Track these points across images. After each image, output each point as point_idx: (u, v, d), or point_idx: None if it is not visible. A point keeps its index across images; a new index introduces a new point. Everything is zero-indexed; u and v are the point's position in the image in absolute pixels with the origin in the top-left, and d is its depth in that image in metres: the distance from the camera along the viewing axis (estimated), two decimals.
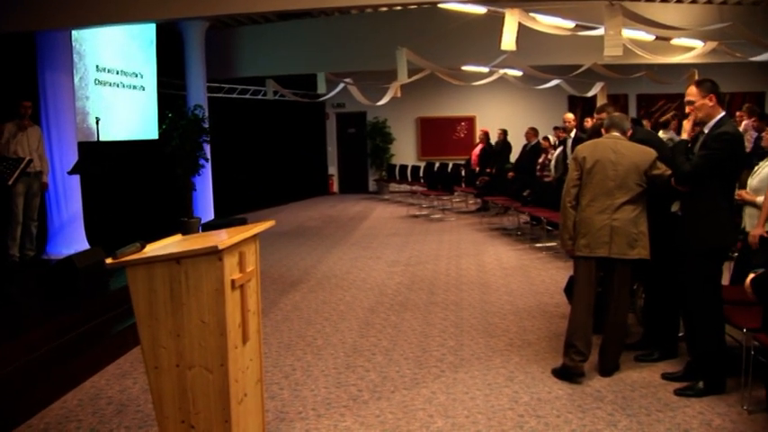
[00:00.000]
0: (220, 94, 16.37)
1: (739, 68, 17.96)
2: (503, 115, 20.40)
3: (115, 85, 11.78)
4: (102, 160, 10.06)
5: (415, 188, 18.50)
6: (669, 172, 5.24)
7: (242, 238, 3.85)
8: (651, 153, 5.39)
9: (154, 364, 3.63)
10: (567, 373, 5.39)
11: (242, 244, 3.89)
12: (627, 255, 5.31)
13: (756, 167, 6.28)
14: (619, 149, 5.40)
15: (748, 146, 9.19)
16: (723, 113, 4.98)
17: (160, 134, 12.50)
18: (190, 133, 11.71)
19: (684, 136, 5.12)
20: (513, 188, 13.46)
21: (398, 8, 14.82)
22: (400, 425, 4.64)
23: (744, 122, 10.26)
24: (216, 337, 3.60)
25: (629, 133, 5.73)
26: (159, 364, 3.63)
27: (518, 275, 9.22)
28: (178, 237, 4.31)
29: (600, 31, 9.97)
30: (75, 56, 10.20)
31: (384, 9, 15.02)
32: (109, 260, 3.63)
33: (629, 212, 5.28)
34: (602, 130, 5.79)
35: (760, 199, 5.92)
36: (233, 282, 3.71)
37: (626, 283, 5.48)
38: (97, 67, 11.16)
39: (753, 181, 6.17)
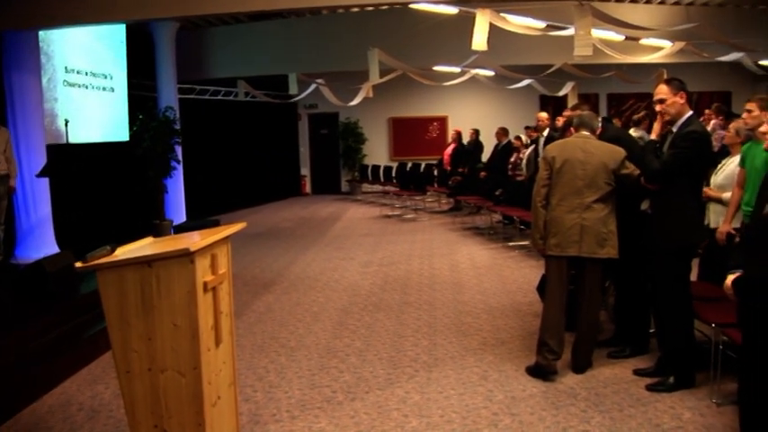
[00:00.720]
0: (192, 96, 16.27)
1: (706, 68, 18.19)
2: (475, 115, 20.48)
3: (84, 86, 11.66)
4: (71, 162, 9.95)
5: (387, 188, 18.52)
6: (638, 172, 5.29)
7: (213, 240, 3.82)
8: (620, 152, 5.42)
9: (125, 368, 3.59)
10: (541, 371, 5.42)
11: (214, 246, 3.86)
12: (596, 254, 5.35)
13: (721, 165, 6.37)
14: (588, 149, 5.44)
15: (717, 145, 9.29)
16: (691, 112, 5.05)
17: (131, 136, 12.39)
18: (161, 135, 11.61)
19: (653, 136, 5.17)
20: (485, 188, 13.51)
21: (370, 9, 14.80)
22: (375, 425, 4.64)
23: (712, 122, 10.37)
24: (188, 340, 3.57)
25: (599, 131, 5.77)
26: (131, 368, 3.59)
27: (491, 274, 9.26)
28: (149, 239, 4.27)
29: (570, 32, 10.03)
30: (42, 57, 10.08)
31: (356, 10, 15.00)
32: (79, 264, 3.58)
33: (599, 211, 5.32)
34: (572, 129, 5.83)
35: (726, 195, 6.00)
36: (205, 284, 3.68)
37: (597, 282, 5.51)
38: (66, 68, 11.04)
39: (717, 178, 6.25)
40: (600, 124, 5.75)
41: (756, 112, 5.54)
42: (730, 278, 3.65)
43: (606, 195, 5.37)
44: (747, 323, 3.65)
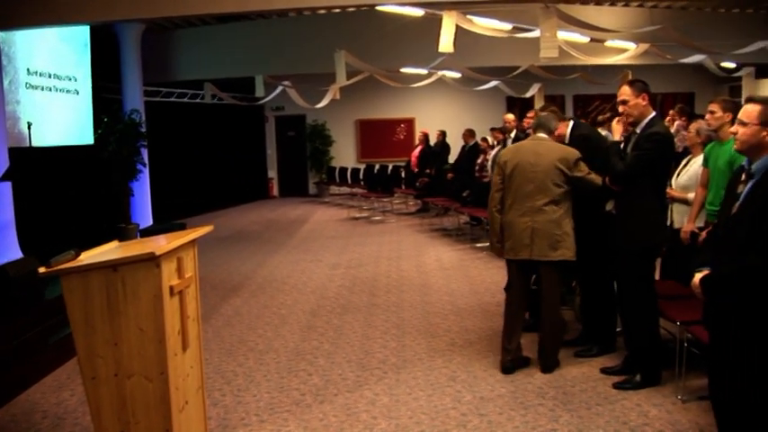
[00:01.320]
0: (157, 98, 16.12)
1: (670, 70, 18.43)
2: (442, 116, 20.55)
3: (48, 89, 11.51)
4: (35, 166, 9.82)
5: (355, 190, 18.51)
6: (592, 175, 5.35)
7: (180, 243, 3.80)
8: (572, 154, 5.45)
9: (91, 374, 3.56)
10: (505, 370, 5.48)
11: (180, 249, 3.84)
12: (549, 256, 5.38)
13: (685, 165, 6.45)
14: (539, 151, 5.47)
15: (680, 145, 9.39)
16: (654, 114, 5.11)
17: (96, 139, 12.25)
18: (126, 138, 11.52)
19: (617, 137, 5.22)
20: (452, 189, 13.56)
21: (336, 11, 14.80)
22: (344, 427, 4.64)
23: (676, 123, 10.48)
24: (155, 345, 3.55)
25: (559, 131, 5.83)
26: (97, 374, 3.56)
27: (458, 275, 9.29)
28: (115, 243, 4.23)
29: (536, 33, 10.08)
30: (3, 58, 9.92)
31: (322, 12, 14.99)
32: (43, 269, 3.54)
33: (551, 214, 5.35)
34: (531, 132, 5.88)
35: (690, 196, 6.08)
36: (171, 288, 3.67)
37: (554, 284, 5.53)
38: (28, 70, 10.88)
39: (681, 178, 6.34)
40: (554, 125, 5.73)
41: (719, 114, 5.63)
42: (698, 276, 3.69)
43: (559, 197, 5.39)
44: (714, 321, 3.70)
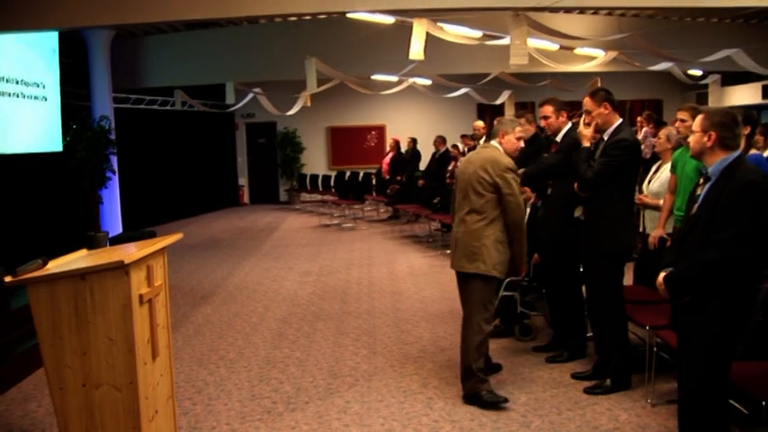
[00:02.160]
0: (127, 105, 15.99)
1: (639, 77, 18.64)
2: (413, 123, 20.58)
3: (14, 95, 11.35)
4: (1, 174, 9.69)
5: (326, 197, 18.46)
6: (516, 197, 5.06)
7: (149, 251, 3.78)
8: (497, 163, 5.11)
9: (58, 384, 3.52)
10: None
11: (149, 258, 3.81)
12: (464, 268, 5.16)
13: (655, 171, 6.53)
14: (472, 158, 5.35)
15: (647, 152, 9.50)
16: (621, 120, 5.20)
17: (64, 146, 12.11)
18: (96, 145, 11.41)
19: (586, 143, 5.27)
20: (423, 196, 13.59)
21: (307, 18, 14.78)
22: None
23: (644, 129, 10.60)
24: (124, 354, 3.52)
25: (514, 137, 5.90)
26: (64, 384, 3.51)
27: (430, 282, 9.31)
28: (83, 252, 4.20)
29: (506, 41, 10.15)
30: None
31: (293, 19, 14.95)
32: (9, 278, 3.50)
33: (472, 224, 5.11)
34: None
35: (661, 202, 6.16)
36: (141, 296, 3.64)
37: (472, 298, 5.21)
38: None
39: (653, 185, 6.42)
40: (505, 130, 5.60)
41: (689, 122, 5.68)
42: (661, 275, 3.86)
43: (482, 206, 5.09)
44: (677, 320, 3.85)
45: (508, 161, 5.14)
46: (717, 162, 3.70)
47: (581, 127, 5.34)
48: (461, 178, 5.28)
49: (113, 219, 13.53)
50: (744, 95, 18.26)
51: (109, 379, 3.52)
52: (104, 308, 3.50)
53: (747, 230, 3.52)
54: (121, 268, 3.47)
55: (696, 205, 3.78)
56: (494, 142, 5.31)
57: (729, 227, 3.52)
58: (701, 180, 3.83)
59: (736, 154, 3.71)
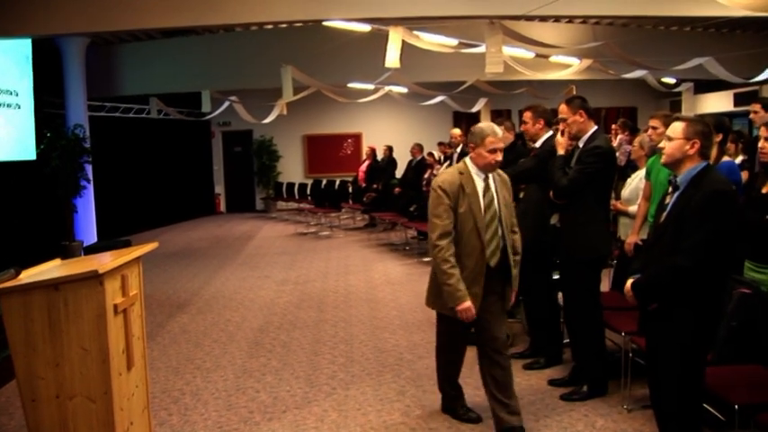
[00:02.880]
0: (102, 113, 15.87)
1: (613, 85, 18.80)
2: (389, 131, 20.59)
3: None
4: None
5: (302, 206, 18.42)
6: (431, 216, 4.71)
7: (124, 261, 3.76)
8: (442, 178, 4.73)
9: (31, 396, 3.48)
10: None
11: (124, 267, 3.79)
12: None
13: (629, 179, 6.59)
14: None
15: (622, 159, 9.57)
16: (595, 128, 5.24)
17: (38, 154, 12.00)
18: (70, 153, 11.32)
19: (561, 151, 5.30)
20: (399, 204, 13.59)
21: (283, 26, 14.78)
22: None
23: (619, 136, 10.67)
24: (98, 365, 3.49)
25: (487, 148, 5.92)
26: (37, 396, 3.48)
27: (407, 290, 9.31)
28: (57, 261, 4.16)
29: (482, 49, 10.19)
30: None
31: (269, 27, 14.94)
32: None
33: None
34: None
35: (633, 208, 6.21)
36: (115, 306, 3.61)
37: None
38: None
39: (626, 191, 6.47)
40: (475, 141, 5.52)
41: (661, 129, 5.73)
42: (629, 281, 3.94)
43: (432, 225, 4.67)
44: (648, 328, 3.92)
45: (440, 179, 4.67)
46: (686, 171, 3.75)
47: (558, 136, 5.38)
48: None
49: (88, 228, 13.42)
50: (716, 103, 18.49)
51: (83, 390, 3.48)
52: (78, 318, 3.47)
53: (714, 238, 3.57)
54: (96, 278, 3.45)
55: (665, 213, 3.83)
56: (467, 158, 4.73)
57: (697, 234, 3.57)
58: (670, 189, 3.87)
59: (704, 163, 3.77)
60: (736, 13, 8.60)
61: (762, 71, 12.68)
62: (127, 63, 15.71)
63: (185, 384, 5.90)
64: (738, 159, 7.17)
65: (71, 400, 3.48)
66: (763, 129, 4.78)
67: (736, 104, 17.37)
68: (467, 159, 4.74)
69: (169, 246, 14.16)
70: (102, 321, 3.49)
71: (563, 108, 5.27)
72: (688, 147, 3.75)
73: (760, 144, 4.73)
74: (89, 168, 11.74)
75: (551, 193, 5.28)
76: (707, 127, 3.82)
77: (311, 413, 5.16)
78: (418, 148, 14.91)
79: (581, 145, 5.20)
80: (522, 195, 5.99)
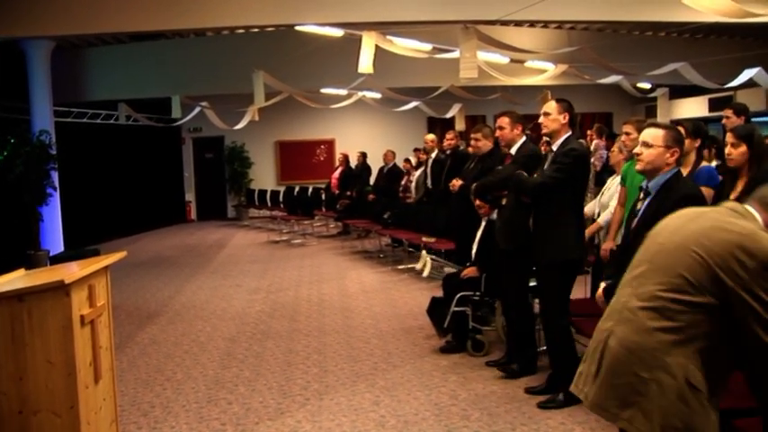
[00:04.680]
0: (69, 119, 15.64)
1: (589, 90, 18.88)
2: (363, 137, 20.52)
3: None
4: None
5: (275, 213, 18.30)
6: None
7: (91, 270, 3.66)
8: (754, 247, 4.30)
9: None
10: None
11: (91, 277, 3.69)
12: (612, 417, 5.05)
13: (608, 183, 6.59)
14: (692, 216, 4.99)
15: (598, 164, 9.59)
16: (570, 133, 5.30)
17: (1, 161, 11.78)
18: (35, 160, 11.12)
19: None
20: (373, 210, 13.53)
21: (255, 30, 14.69)
22: None
23: (594, 141, 10.70)
24: (64, 378, 3.39)
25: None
26: None
27: (381, 298, 9.24)
28: (21, 272, 4.05)
29: (456, 54, 10.18)
30: None
31: (241, 31, 14.85)
32: None
33: (647, 329, 4.85)
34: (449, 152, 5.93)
35: (603, 218, 6.23)
36: (82, 317, 3.52)
37: None
38: None
39: (604, 197, 6.46)
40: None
41: (634, 135, 5.74)
42: (601, 287, 4.02)
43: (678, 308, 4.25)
44: None
45: None
46: (658, 177, 3.83)
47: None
48: (659, 236, 2.85)
49: (54, 237, 13.18)
50: (691, 108, 18.70)
51: (48, 404, 3.37)
52: (43, 330, 3.36)
53: None
54: (61, 288, 3.36)
55: (636, 219, 3.90)
56: (750, 207, 2.70)
57: None
58: (641, 195, 3.94)
59: (676, 169, 3.87)
60: (709, 18, 8.66)
61: (735, 77, 12.81)
62: (94, 68, 15.51)
63: (155, 396, 5.77)
64: (713, 164, 7.19)
65: (35, 416, 3.37)
66: (729, 135, 4.88)
67: (710, 110, 17.58)
68: (753, 210, 2.69)
69: (139, 255, 13.98)
70: (69, 333, 3.39)
71: (552, 104, 5.31)
72: (668, 155, 3.82)
73: (726, 150, 4.81)
74: (55, 175, 11.54)
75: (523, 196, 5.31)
76: (681, 134, 3.91)
77: (284, 424, 5.06)
78: (392, 154, 14.86)
79: (555, 148, 5.22)
80: (504, 202, 5.95)
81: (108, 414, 3.94)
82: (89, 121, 16.49)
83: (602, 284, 3.99)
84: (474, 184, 6.24)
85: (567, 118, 5.24)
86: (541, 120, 5.29)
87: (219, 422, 5.16)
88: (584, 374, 2.75)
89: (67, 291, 3.37)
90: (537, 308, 5.81)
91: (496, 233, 6.08)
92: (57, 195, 12.21)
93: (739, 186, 4.76)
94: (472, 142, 7.31)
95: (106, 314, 3.95)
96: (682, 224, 2.68)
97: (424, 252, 7.38)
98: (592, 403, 2.67)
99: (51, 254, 11.39)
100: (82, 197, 15.16)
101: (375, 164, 16.11)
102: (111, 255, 4.11)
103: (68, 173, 13.36)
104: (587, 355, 2.78)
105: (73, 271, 3.60)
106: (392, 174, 14.48)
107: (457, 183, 7.38)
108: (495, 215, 6.25)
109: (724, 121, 6.43)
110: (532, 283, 5.79)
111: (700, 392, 2.47)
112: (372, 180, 15.91)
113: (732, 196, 4.72)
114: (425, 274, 8.54)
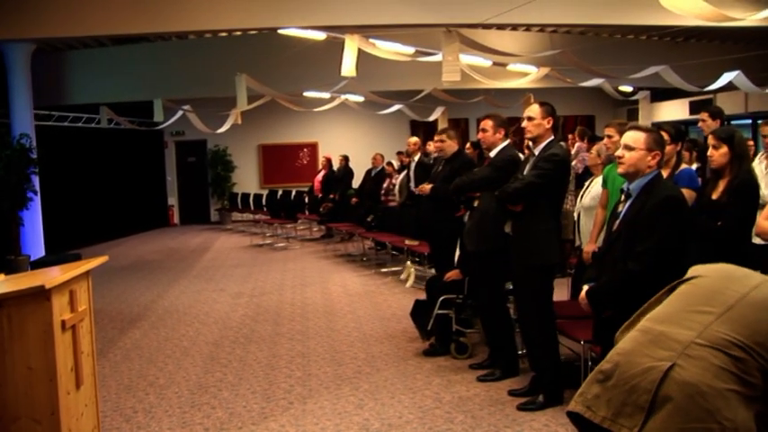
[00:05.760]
0: (50, 122, 15.52)
1: (571, 93, 18.97)
2: (345, 141, 20.50)
3: None
4: None
5: (258, 217, 18.25)
6: None
7: (72, 275, 3.62)
8: None
9: None
10: None
11: (72, 282, 3.66)
12: None
13: (587, 186, 6.61)
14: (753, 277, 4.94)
15: (580, 167, 9.62)
16: (552, 137, 5.30)
17: None
18: (15, 164, 11.02)
19: None
20: (356, 214, 13.51)
21: (238, 34, 14.66)
22: None
23: (576, 144, 10.73)
24: (45, 384, 3.35)
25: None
26: None
27: (364, 301, 9.23)
28: (2, 277, 4.01)
29: (438, 57, 10.20)
30: None
31: (223, 35, 14.82)
32: None
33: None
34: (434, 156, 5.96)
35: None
36: (63, 323, 3.49)
37: None
38: None
39: (585, 199, 6.49)
40: None
41: (616, 137, 5.77)
42: (584, 290, 4.02)
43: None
44: (602, 335, 3.96)
45: None
46: (639, 180, 3.86)
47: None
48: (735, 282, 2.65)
49: (35, 241, 13.07)
50: (672, 111, 18.83)
51: (28, 411, 3.34)
52: (23, 335, 3.33)
53: (666, 243, 3.67)
54: (42, 293, 3.33)
55: (617, 221, 3.93)
56: None
57: (650, 239, 3.68)
58: (623, 197, 3.97)
59: (656, 171, 3.89)
60: (689, 22, 8.74)
61: (715, 80, 12.91)
62: (76, 71, 15.43)
63: (138, 402, 5.73)
64: (693, 167, 7.25)
65: (14, 423, 3.33)
66: (710, 137, 4.97)
67: (691, 112, 17.70)
68: None
69: (121, 259, 13.91)
70: (49, 338, 3.36)
71: (535, 108, 5.30)
72: (650, 158, 3.85)
73: (708, 152, 4.87)
74: (36, 180, 11.45)
75: (498, 196, 5.32)
76: (662, 137, 3.97)
77: (268, 429, 5.04)
78: (380, 157, 14.84)
79: (537, 153, 5.23)
80: (476, 204, 5.96)
81: (90, 420, 3.91)
82: (70, 124, 16.38)
83: (585, 287, 4.00)
84: (453, 183, 6.23)
85: (551, 122, 5.25)
86: (525, 124, 5.28)
87: (203, 427, 5.13)
88: (616, 402, 2.43)
89: (48, 296, 3.34)
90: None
91: (465, 235, 6.10)
92: (37, 200, 12.11)
93: (721, 187, 4.81)
94: (437, 144, 7.33)
95: (88, 319, 3.92)
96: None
97: (408, 263, 7.38)
98: None
99: (32, 259, 11.28)
100: (63, 201, 15.06)
101: (358, 167, 16.09)
102: (93, 259, 4.08)
103: (49, 177, 13.26)
104: (619, 382, 2.45)
105: (54, 276, 3.57)
106: (380, 177, 14.47)
107: (426, 187, 7.37)
108: (467, 217, 6.25)
109: (700, 124, 6.52)
110: (509, 286, 5.81)
111: None
112: (356, 183, 15.88)
113: (714, 197, 4.79)
114: (408, 285, 8.54)
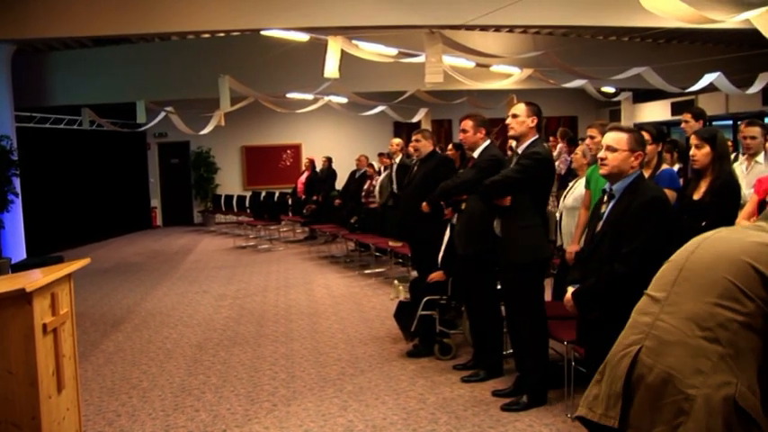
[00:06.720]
0: (31, 124, 15.42)
1: (554, 94, 19.04)
2: (329, 142, 20.49)
3: None
4: None
5: (241, 218, 18.20)
6: None
7: (54, 278, 3.60)
8: None
9: None
10: None
11: (54, 284, 3.64)
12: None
13: (570, 187, 6.64)
14: (729, 237, 5.06)
15: (563, 168, 9.66)
16: (536, 137, 5.31)
17: None
18: None
19: None
20: (340, 215, 13.51)
21: (221, 35, 14.62)
22: None
23: (558, 146, 10.78)
24: (25, 388, 3.33)
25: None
26: None
27: (348, 303, 9.22)
28: None
29: (421, 59, 10.22)
30: None
31: (206, 36, 14.76)
32: None
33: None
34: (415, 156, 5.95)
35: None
36: (44, 326, 3.46)
37: None
38: None
39: (567, 200, 6.51)
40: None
41: (598, 138, 5.79)
42: (569, 291, 4.02)
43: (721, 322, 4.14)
44: (587, 336, 3.99)
45: None
46: (622, 180, 3.87)
47: None
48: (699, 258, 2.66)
49: (16, 244, 12.96)
50: (654, 112, 18.96)
51: (8, 416, 3.31)
52: (4, 339, 3.31)
53: (651, 244, 3.66)
54: (23, 296, 3.31)
55: (601, 222, 3.93)
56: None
57: (636, 240, 3.68)
58: (605, 198, 3.97)
59: (638, 172, 3.90)
60: (670, 24, 8.80)
61: (697, 81, 13.01)
62: (57, 72, 15.32)
63: (121, 405, 5.70)
64: (675, 168, 7.29)
65: None
66: (693, 137, 5.00)
67: (673, 113, 17.84)
68: None
69: (103, 261, 13.83)
70: (30, 342, 3.34)
71: (521, 107, 5.31)
72: (633, 158, 3.86)
73: (691, 152, 4.91)
74: (17, 182, 11.36)
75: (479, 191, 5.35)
76: (643, 137, 3.98)
77: (252, 431, 5.03)
78: (365, 158, 14.83)
79: (520, 151, 5.24)
80: (463, 206, 5.96)
81: (72, 424, 3.88)
82: (52, 126, 16.28)
83: (570, 289, 4.00)
84: (439, 187, 6.23)
85: (536, 122, 5.25)
86: (509, 121, 5.29)
87: (186, 430, 5.11)
88: (604, 396, 2.46)
89: (29, 299, 3.31)
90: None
91: (455, 237, 6.09)
92: (18, 202, 12.01)
93: (703, 187, 4.85)
94: (413, 144, 7.35)
95: (69, 322, 3.89)
96: (717, 239, 2.60)
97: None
98: (629, 426, 2.37)
99: (13, 261, 11.20)
100: (45, 204, 14.96)
101: (341, 168, 16.08)
102: (75, 262, 4.06)
103: (31, 179, 13.17)
104: (606, 376, 2.49)
105: (35, 278, 3.55)
106: (364, 179, 14.45)
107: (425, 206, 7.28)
108: (455, 219, 6.25)
109: (683, 125, 6.55)
110: (498, 286, 5.81)
111: (749, 417, 2.22)
112: (340, 185, 15.87)
113: (696, 197, 4.82)
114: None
